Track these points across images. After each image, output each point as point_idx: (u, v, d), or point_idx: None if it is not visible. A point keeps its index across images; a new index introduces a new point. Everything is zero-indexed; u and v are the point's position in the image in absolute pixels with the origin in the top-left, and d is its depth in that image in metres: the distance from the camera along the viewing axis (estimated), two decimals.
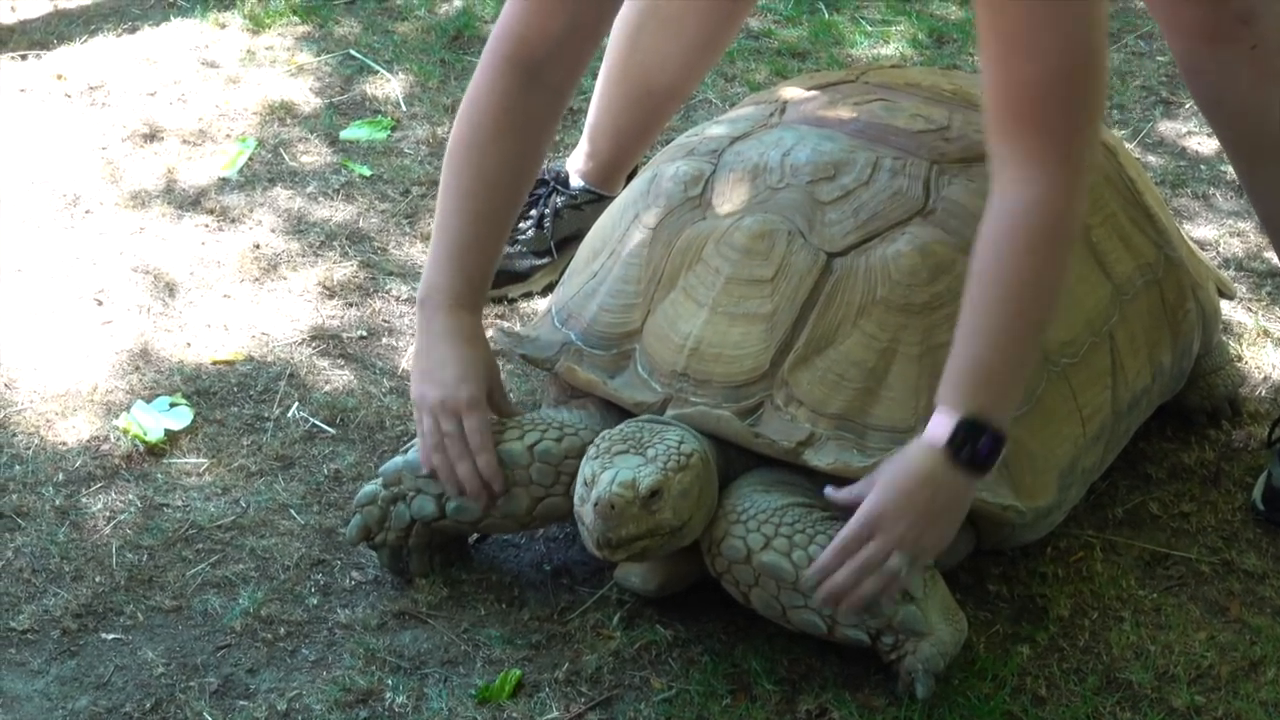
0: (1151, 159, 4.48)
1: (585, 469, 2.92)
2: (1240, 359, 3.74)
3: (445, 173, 3.16)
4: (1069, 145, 2.78)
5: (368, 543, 3.12)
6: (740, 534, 2.89)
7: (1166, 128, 4.64)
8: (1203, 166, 4.46)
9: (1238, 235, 4.18)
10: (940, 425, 2.79)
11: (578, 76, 3.21)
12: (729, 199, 3.14)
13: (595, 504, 2.84)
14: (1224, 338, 3.68)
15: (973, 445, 2.78)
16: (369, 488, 3.11)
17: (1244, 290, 3.96)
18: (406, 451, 3.11)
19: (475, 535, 3.22)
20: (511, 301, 3.85)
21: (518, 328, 3.63)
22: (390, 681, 2.94)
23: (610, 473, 2.86)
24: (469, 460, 3.01)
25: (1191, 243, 3.62)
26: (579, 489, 2.93)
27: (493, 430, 3.04)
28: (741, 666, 2.98)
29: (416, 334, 3.14)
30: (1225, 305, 3.76)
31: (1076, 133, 2.79)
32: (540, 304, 3.82)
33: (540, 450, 3.03)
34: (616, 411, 3.09)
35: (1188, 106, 4.65)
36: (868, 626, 2.87)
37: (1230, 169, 4.06)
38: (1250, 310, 3.91)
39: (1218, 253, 4.11)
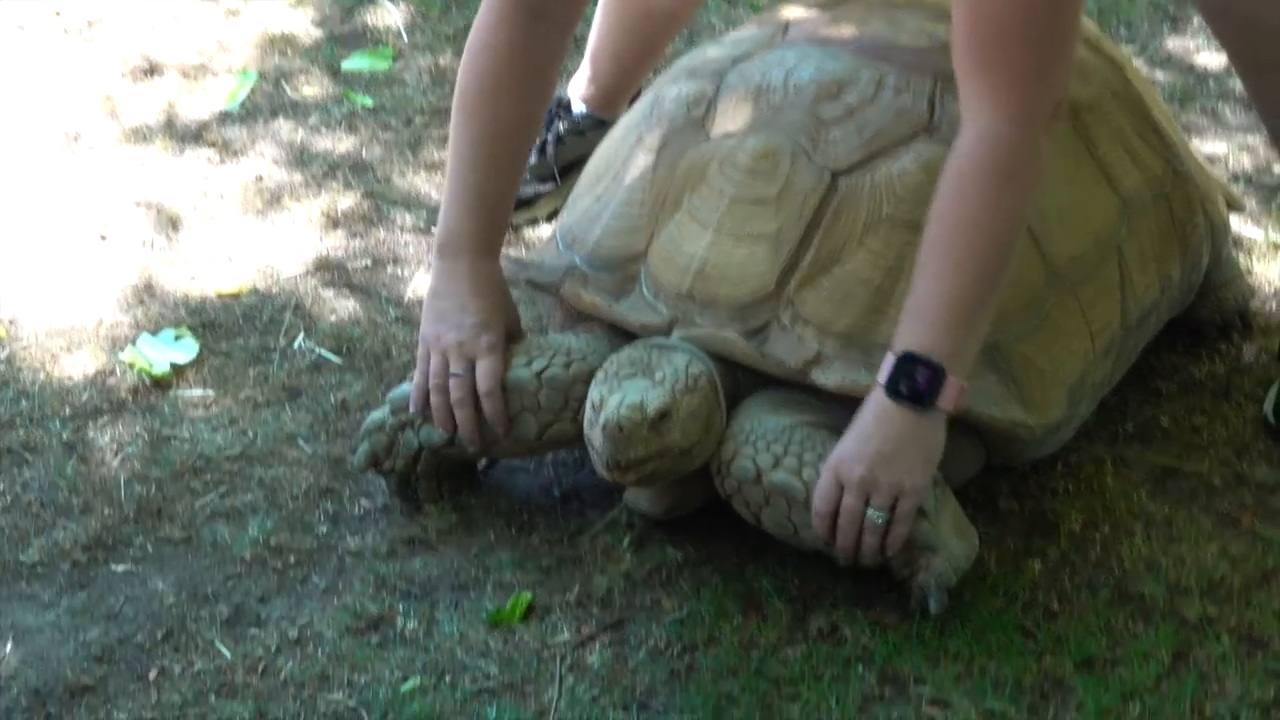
0: (1159, 75, 4.46)
1: (593, 393, 2.92)
2: (1250, 273, 3.72)
3: (457, 119, 3.15)
4: (1031, 85, 2.78)
5: (376, 470, 3.11)
6: (750, 454, 2.89)
7: (1174, 44, 4.61)
8: (1211, 82, 4.44)
9: (1247, 149, 4.16)
10: (883, 365, 2.81)
11: (582, 7, 3.20)
12: (732, 120, 3.12)
13: (604, 427, 2.83)
14: (1234, 251, 3.66)
15: (910, 380, 2.78)
16: (376, 415, 3.11)
17: (1254, 204, 3.94)
18: (414, 379, 3.10)
19: (484, 461, 3.22)
20: (516, 228, 3.83)
21: (523, 254, 3.62)
22: (401, 607, 2.94)
23: (618, 396, 2.86)
24: (470, 406, 3.01)
25: (1200, 157, 3.61)
26: (588, 413, 2.92)
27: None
28: (752, 586, 2.98)
29: (433, 278, 3.13)
30: (1235, 219, 3.75)
31: (1039, 72, 2.78)
32: (545, 230, 3.81)
33: (548, 377, 3.03)
34: (623, 335, 3.08)
35: (1195, 22, 4.61)
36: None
37: (1238, 83, 4.03)
38: (1260, 224, 3.89)
39: (1227, 167, 4.09)
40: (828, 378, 2.94)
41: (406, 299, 3.65)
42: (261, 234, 3.84)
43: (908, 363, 2.80)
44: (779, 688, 2.81)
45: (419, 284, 3.68)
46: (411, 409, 3.06)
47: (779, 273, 2.99)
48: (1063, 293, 3.10)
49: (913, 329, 2.82)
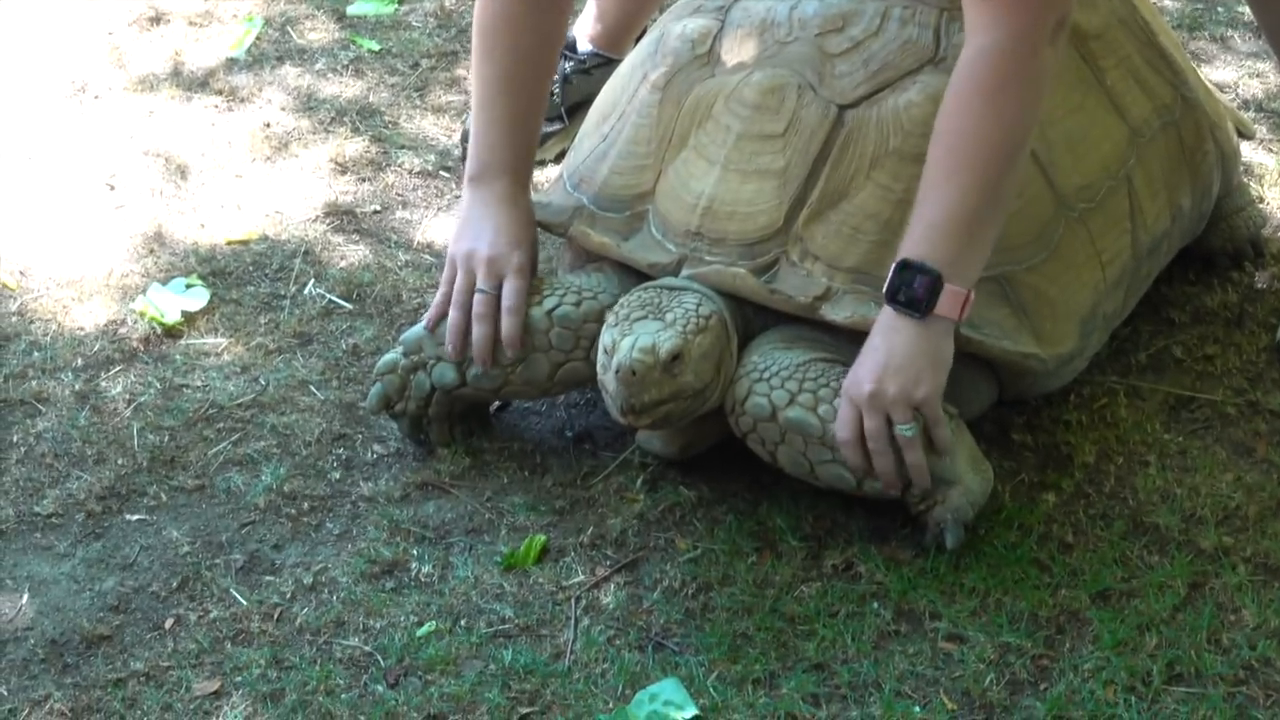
0: (1168, 2, 4.41)
1: (605, 337, 2.90)
2: (1262, 200, 3.69)
3: (479, 56, 3.13)
4: (1032, 1, 2.76)
5: (388, 411, 3.10)
6: (764, 391, 2.87)
7: None
8: (1220, 9, 4.39)
9: (1257, 76, 4.12)
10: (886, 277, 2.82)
11: None
12: (737, 55, 3.09)
13: (617, 371, 2.82)
14: (1245, 179, 3.63)
15: (906, 286, 2.78)
16: (389, 356, 3.09)
17: (1264, 131, 3.91)
18: (426, 320, 3.09)
19: (496, 404, 3.20)
20: None
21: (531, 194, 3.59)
22: (415, 552, 2.93)
23: (630, 339, 2.84)
24: (491, 324, 3.00)
25: (1210, 84, 3.57)
26: (600, 357, 2.91)
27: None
28: (766, 524, 2.97)
29: (464, 205, 3.12)
30: (1245, 146, 3.71)
31: None
32: (553, 171, 3.78)
33: (559, 315, 3.01)
34: (633, 274, 3.06)
35: None
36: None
37: (1247, 9, 3.98)
38: (1271, 151, 3.85)
39: (1237, 94, 4.05)
40: (838, 313, 2.92)
41: (416, 243, 3.63)
42: (270, 181, 3.82)
43: (905, 271, 2.79)
44: (794, 625, 2.80)
45: (428, 228, 3.67)
46: (426, 324, 3.05)
47: (787, 208, 2.97)
48: (1072, 222, 3.08)
49: (912, 238, 2.82)
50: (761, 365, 2.90)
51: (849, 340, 2.92)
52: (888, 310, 2.81)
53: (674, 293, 2.94)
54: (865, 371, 2.80)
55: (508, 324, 3.00)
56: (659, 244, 3.02)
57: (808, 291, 2.92)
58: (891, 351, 2.79)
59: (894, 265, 2.80)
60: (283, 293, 3.51)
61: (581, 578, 2.89)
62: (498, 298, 3.01)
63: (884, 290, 2.81)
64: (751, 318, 3.00)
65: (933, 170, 2.81)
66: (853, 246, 2.94)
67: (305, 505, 3.03)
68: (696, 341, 2.87)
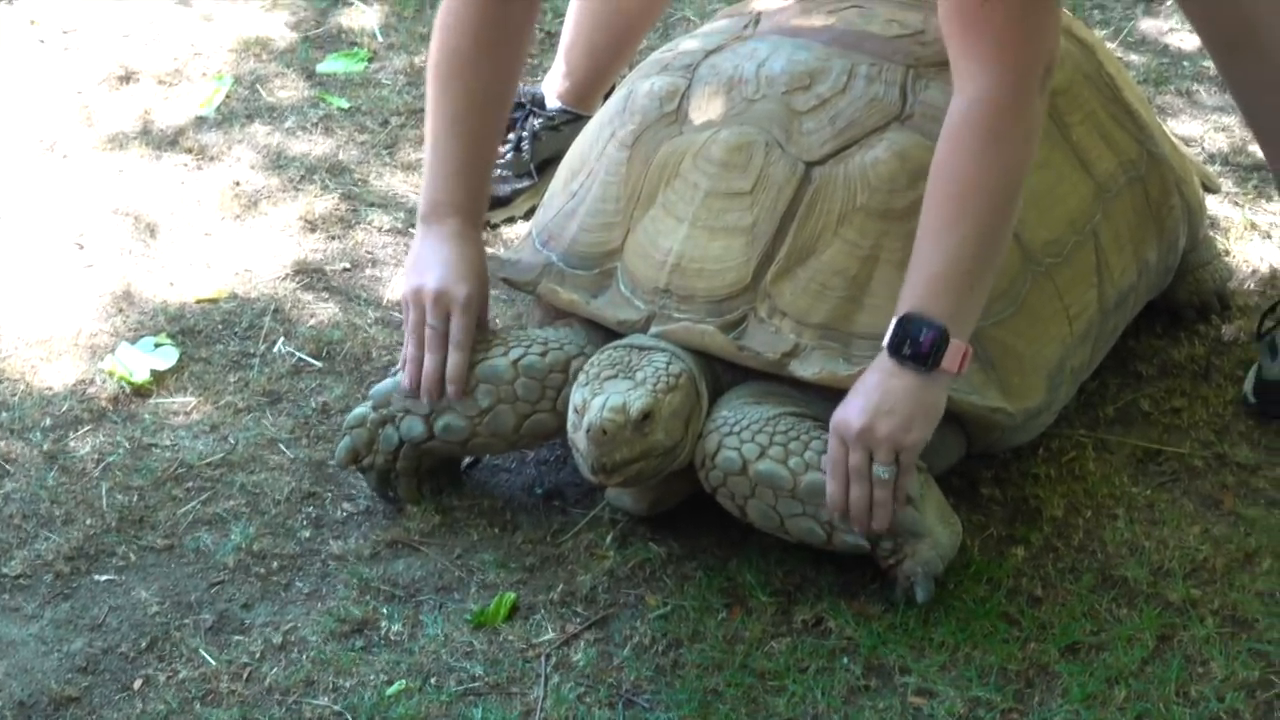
0: (1134, 57, 4.44)
1: (576, 396, 2.91)
2: (1228, 253, 3.71)
3: (432, 95, 3.15)
4: (1020, 46, 2.79)
5: (356, 466, 3.11)
6: (734, 445, 2.88)
7: (1148, 25, 4.59)
8: (1185, 63, 4.42)
9: (1222, 130, 4.14)
10: (889, 330, 2.82)
11: None
12: (705, 112, 3.11)
13: (588, 430, 2.83)
14: (1211, 233, 3.65)
15: (912, 340, 2.79)
16: (358, 410, 3.11)
17: (1230, 184, 3.93)
18: (396, 374, 3.09)
19: (466, 461, 3.21)
20: (494, 226, 3.82)
21: (500, 252, 3.60)
22: (385, 610, 2.93)
23: (601, 398, 2.85)
24: (441, 355, 3.02)
25: (1175, 139, 3.59)
26: (570, 416, 2.91)
27: (477, 343, 3.05)
28: (736, 580, 2.97)
29: (415, 244, 3.14)
30: (1211, 200, 3.74)
31: (1026, 33, 2.79)
32: (523, 228, 3.78)
33: (525, 365, 3.03)
34: (601, 329, 3.07)
35: (1168, 4, 4.60)
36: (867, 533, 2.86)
37: (1212, 64, 4.01)
38: (1237, 204, 3.88)
39: (1203, 148, 4.08)
40: (806, 369, 2.93)
41: (385, 301, 3.64)
42: (239, 239, 3.82)
43: (909, 324, 2.80)
44: (764, 681, 2.80)
45: (398, 286, 3.66)
46: (403, 378, 3.06)
47: (755, 265, 2.98)
48: (1039, 277, 3.09)
49: (914, 291, 2.82)
50: (732, 420, 2.91)
51: (818, 395, 2.94)
52: (888, 362, 2.81)
53: (644, 351, 2.95)
54: (856, 409, 2.80)
55: (452, 360, 3.02)
56: (627, 301, 3.03)
57: (776, 348, 2.94)
58: (886, 394, 2.80)
59: (896, 318, 2.81)
60: (252, 351, 3.51)
61: (551, 635, 2.89)
62: (446, 332, 3.03)
63: (885, 344, 2.81)
64: (720, 374, 3.01)
65: (931, 220, 2.82)
66: (820, 303, 2.95)
67: (274, 564, 3.03)
68: (667, 400, 2.88)
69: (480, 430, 3.04)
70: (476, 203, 3.17)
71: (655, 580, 2.99)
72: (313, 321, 3.59)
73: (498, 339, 3.08)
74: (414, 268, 3.11)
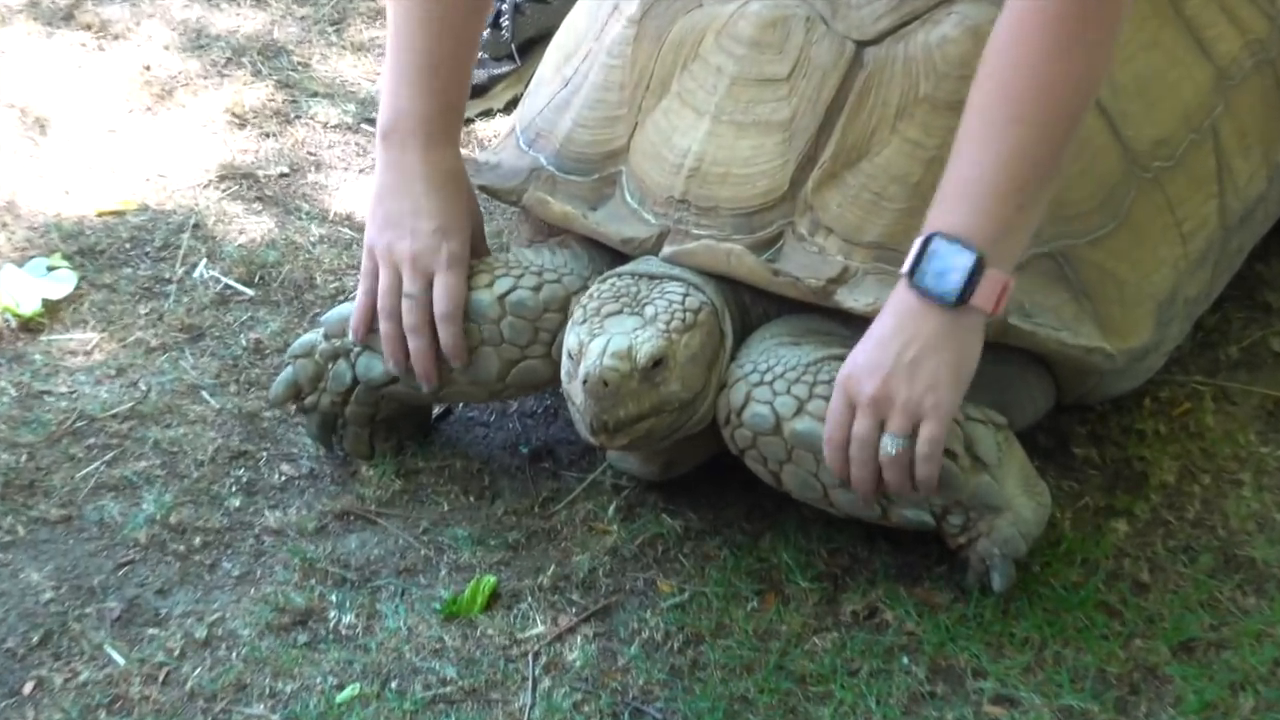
0: None
1: (571, 337, 2.90)
2: None
3: None
4: None
5: (296, 404, 3.11)
6: (766, 398, 2.87)
7: None
8: None
9: None
10: (910, 253, 2.77)
11: None
12: None
13: (585, 381, 2.81)
14: None
15: (939, 270, 2.73)
16: (306, 337, 3.10)
17: None
18: (356, 299, 3.07)
19: (436, 411, 3.21)
20: (469, 121, 3.82)
21: (476, 154, 3.59)
22: (334, 598, 2.93)
23: (601, 341, 2.83)
24: (427, 334, 2.99)
25: None
26: (564, 362, 2.90)
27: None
28: (770, 561, 2.97)
29: (378, 173, 3.10)
30: None
31: None
32: (503, 123, 3.79)
33: (514, 302, 3.01)
34: (605, 251, 3.07)
35: None
36: (931, 504, 2.84)
37: None
38: None
39: None
40: (857, 299, 2.91)
41: (333, 214, 3.64)
42: (151, 137, 3.82)
43: (937, 248, 2.76)
44: (805, 686, 2.79)
45: (347, 195, 3.67)
46: (352, 336, 3.04)
47: (794, 169, 2.97)
48: (1146, 185, 3.08)
49: (946, 207, 2.78)
50: (763, 366, 2.89)
51: None
52: (907, 294, 2.78)
53: (655, 280, 2.94)
54: (869, 363, 2.77)
55: (444, 334, 2.99)
56: (635, 214, 3.03)
57: (820, 273, 2.92)
58: (906, 344, 2.76)
59: (920, 239, 2.77)
60: (167, 276, 3.51)
61: (541, 629, 2.88)
62: (429, 301, 3.00)
63: (904, 269, 2.78)
64: (749, 306, 3.01)
65: (976, 121, 2.78)
66: (875, 216, 2.94)
67: (197, 540, 3.03)
68: (683, 342, 2.87)
69: (457, 377, 3.03)
70: (451, 116, 3.12)
71: (669, 561, 2.99)
72: (242, 239, 3.59)
73: (481, 265, 3.06)
74: (379, 211, 3.07)
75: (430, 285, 3.01)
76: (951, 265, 2.74)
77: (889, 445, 2.76)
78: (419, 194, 3.05)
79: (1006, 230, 2.77)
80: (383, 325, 3.02)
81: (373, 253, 3.04)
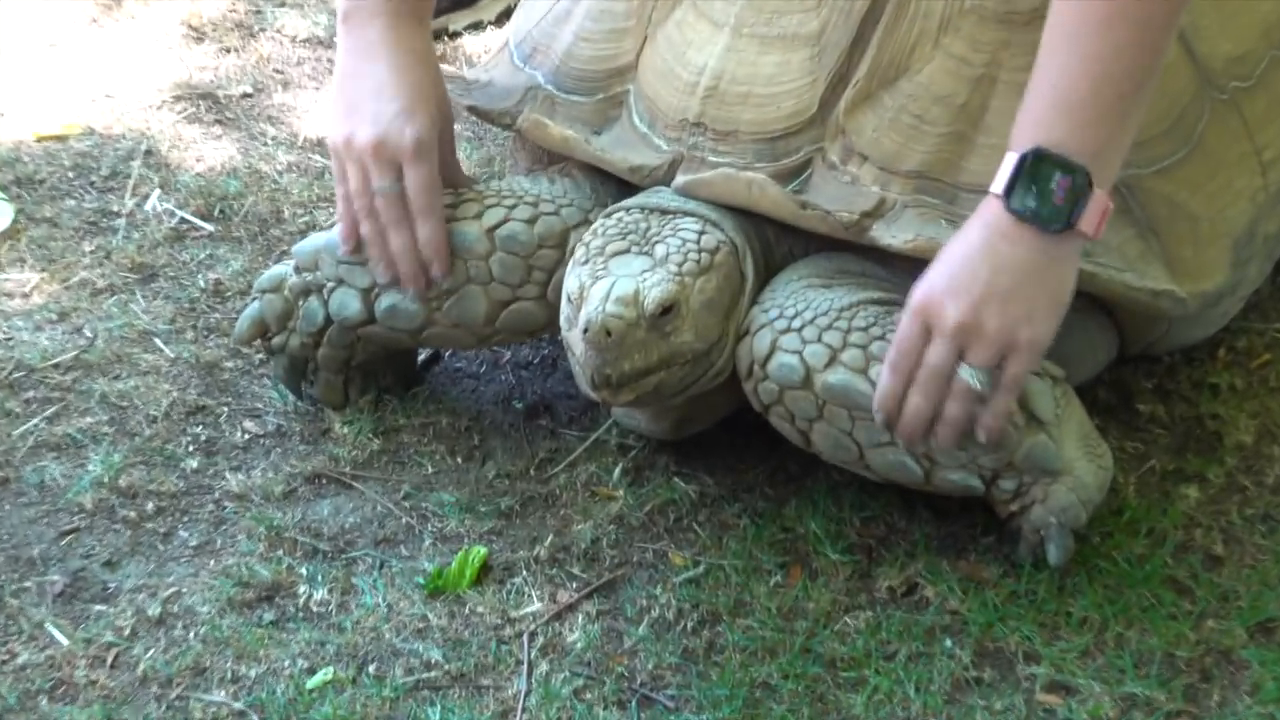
0: None
1: (571, 279, 2.88)
2: None
3: None
4: None
5: (263, 342, 3.10)
6: (794, 346, 2.84)
7: None
8: None
9: None
10: (1002, 169, 2.72)
11: None
12: None
13: (586, 329, 2.78)
14: None
15: (1040, 186, 2.69)
16: (276, 269, 3.09)
17: None
18: (333, 228, 3.05)
19: (421, 357, 3.21)
20: (454, 35, 3.83)
21: (465, 71, 3.57)
22: (304, 570, 2.91)
23: (605, 284, 2.81)
24: (406, 229, 2.98)
25: None
26: (564, 306, 2.89)
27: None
28: (795, 531, 2.96)
29: (339, 56, 3.08)
30: None
31: None
32: (495, 37, 3.77)
33: (504, 235, 2.99)
34: (611, 181, 3.06)
35: None
36: (979, 467, 2.82)
37: None
38: None
39: None
40: (895, 234, 2.89)
41: (302, 139, 3.64)
42: (97, 52, 3.82)
43: (1039, 163, 2.71)
44: (835, 671, 2.78)
45: (318, 119, 3.65)
46: (342, 249, 3.02)
47: (823, 89, 2.95)
48: (1221, 107, 3.07)
49: (1044, 118, 2.73)
50: (790, 311, 2.87)
51: (911, 272, 2.88)
52: (1000, 215, 2.73)
53: (666, 215, 2.92)
54: (955, 286, 2.73)
55: (422, 232, 2.98)
56: (644, 139, 3.02)
57: (853, 205, 2.90)
58: (999, 269, 2.72)
59: (1017, 154, 2.72)
60: (115, 208, 3.51)
61: (537, 606, 2.87)
62: (403, 194, 2.99)
63: (999, 187, 2.72)
64: (774, 244, 2.99)
65: (1069, 23, 2.73)
66: (915, 142, 2.92)
67: (149, 506, 3.02)
68: (697, 285, 2.85)
69: (439, 318, 3.01)
70: None
71: (681, 531, 2.98)
72: (200, 168, 3.59)
73: (469, 195, 3.04)
74: (340, 101, 3.04)
75: (401, 176, 2.99)
76: (1055, 185, 2.70)
77: (971, 378, 2.73)
78: (380, 73, 3.03)
79: (1109, 144, 2.73)
80: (364, 227, 3.01)
81: (337, 150, 3.02)
